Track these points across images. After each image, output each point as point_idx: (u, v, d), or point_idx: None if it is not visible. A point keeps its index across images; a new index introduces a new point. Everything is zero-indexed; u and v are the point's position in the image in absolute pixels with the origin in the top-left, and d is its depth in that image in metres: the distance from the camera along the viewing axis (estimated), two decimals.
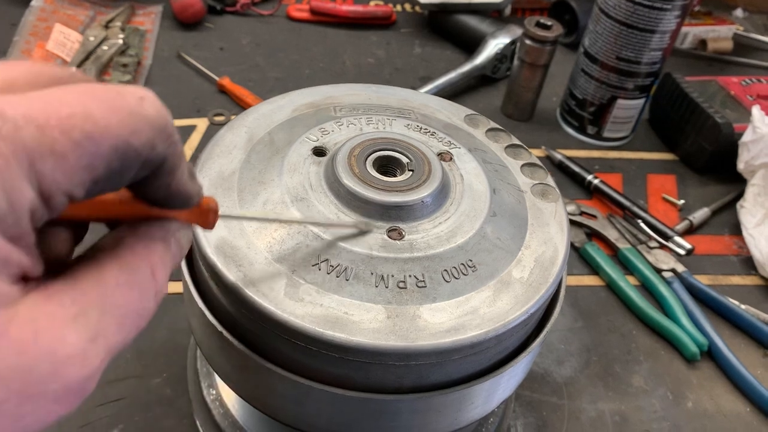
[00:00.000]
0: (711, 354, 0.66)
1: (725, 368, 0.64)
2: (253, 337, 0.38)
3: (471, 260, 0.40)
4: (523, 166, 0.48)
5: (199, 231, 0.39)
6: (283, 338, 0.36)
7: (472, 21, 1.01)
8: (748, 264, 0.76)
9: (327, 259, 0.38)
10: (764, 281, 0.75)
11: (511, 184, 0.46)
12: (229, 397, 0.52)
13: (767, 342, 0.67)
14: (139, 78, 0.89)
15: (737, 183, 0.82)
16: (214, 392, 0.52)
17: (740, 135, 0.80)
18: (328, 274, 0.37)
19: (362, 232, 0.39)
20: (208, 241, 0.38)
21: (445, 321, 0.37)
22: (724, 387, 0.64)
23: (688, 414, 0.61)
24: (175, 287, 0.63)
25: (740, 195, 0.81)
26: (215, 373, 0.53)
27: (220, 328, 0.39)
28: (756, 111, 0.79)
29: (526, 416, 0.58)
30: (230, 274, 0.37)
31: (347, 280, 0.37)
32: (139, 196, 0.25)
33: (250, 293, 0.36)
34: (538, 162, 0.49)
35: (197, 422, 0.52)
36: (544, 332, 0.43)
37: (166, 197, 0.25)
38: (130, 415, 0.53)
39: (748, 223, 0.77)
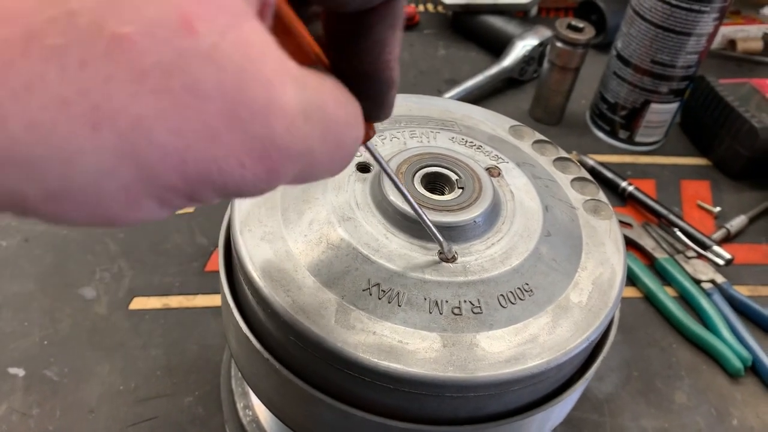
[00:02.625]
0: (755, 369, 0.64)
1: None
2: (301, 364, 0.36)
3: (527, 284, 0.38)
4: (573, 180, 0.46)
5: (244, 251, 0.37)
6: (334, 367, 0.35)
7: (498, 22, 0.98)
8: None
9: (378, 284, 0.36)
10: None
11: (562, 201, 0.44)
12: (266, 419, 0.50)
13: None
14: None
15: None
16: (250, 413, 0.51)
17: None
18: (380, 299, 0.36)
19: (441, 255, 0.37)
20: (254, 263, 0.36)
21: (503, 350, 0.35)
22: None
23: (733, 431, 0.59)
24: (204, 300, 0.61)
25: None
26: (253, 394, 0.51)
27: (266, 355, 0.37)
28: None
29: None
30: (279, 300, 0.35)
31: (399, 305, 0.36)
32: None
33: (301, 320, 0.34)
34: (589, 176, 0.47)
35: None
36: (600, 358, 0.41)
37: (375, 66, 0.24)
38: None
39: None
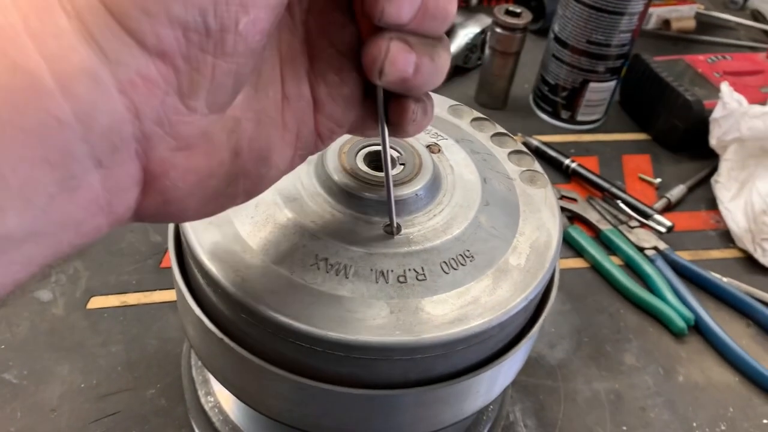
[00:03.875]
0: (698, 328, 0.67)
1: (712, 341, 0.66)
2: (254, 341, 0.38)
3: (468, 250, 0.40)
4: (510, 153, 0.48)
5: (192, 236, 0.38)
6: (286, 340, 0.36)
7: None
8: (726, 237, 0.78)
9: (325, 258, 0.38)
10: (743, 253, 0.76)
11: (500, 173, 0.46)
12: (228, 402, 0.51)
13: (750, 313, 0.69)
14: None
15: (710, 159, 0.84)
16: (212, 399, 0.52)
17: (710, 111, 0.82)
18: (328, 273, 0.37)
19: (387, 228, 0.39)
20: (202, 247, 0.37)
21: (448, 312, 0.37)
22: (713, 359, 0.65)
23: (680, 388, 0.62)
24: (162, 296, 0.62)
25: (714, 170, 0.82)
26: (213, 380, 0.52)
27: (220, 334, 0.38)
28: (725, 87, 0.81)
29: (523, 401, 0.58)
30: (228, 280, 0.36)
31: (347, 277, 0.37)
32: None
33: (250, 298, 0.36)
34: (524, 149, 0.49)
35: (196, 430, 0.52)
36: (543, 317, 0.43)
37: None
38: (126, 429, 0.52)
39: (723, 197, 0.79)
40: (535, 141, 0.85)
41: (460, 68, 0.98)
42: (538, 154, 0.85)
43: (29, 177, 0.19)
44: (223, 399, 0.51)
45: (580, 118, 0.90)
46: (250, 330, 0.37)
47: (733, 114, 0.78)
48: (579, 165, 0.81)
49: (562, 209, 0.77)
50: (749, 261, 0.75)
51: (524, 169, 0.47)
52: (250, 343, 0.38)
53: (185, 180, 0.24)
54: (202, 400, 0.52)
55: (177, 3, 0.20)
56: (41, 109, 0.18)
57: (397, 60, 0.26)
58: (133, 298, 0.61)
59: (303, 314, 0.35)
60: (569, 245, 0.74)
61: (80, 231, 0.22)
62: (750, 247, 0.75)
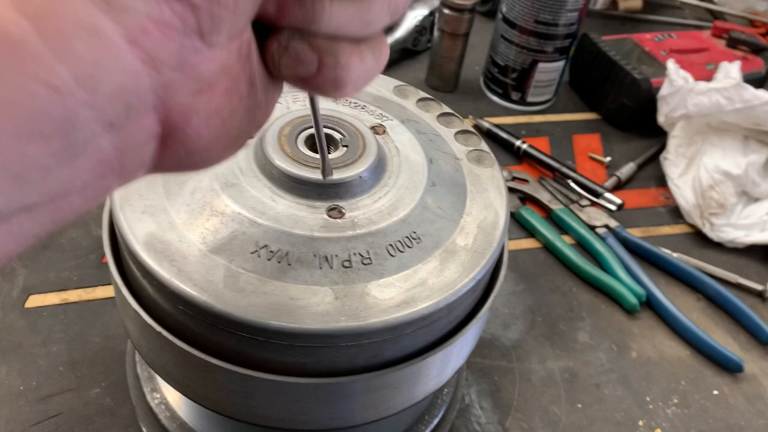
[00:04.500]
0: (649, 304, 0.67)
1: (664, 316, 0.66)
2: (194, 334, 0.36)
3: (415, 232, 0.39)
4: (456, 133, 0.48)
5: (126, 228, 0.36)
6: (227, 332, 0.35)
7: None
8: (676, 213, 0.79)
9: (266, 245, 0.36)
10: (692, 228, 0.77)
11: (446, 153, 0.46)
12: (175, 398, 0.50)
13: (700, 287, 0.70)
14: None
15: (659, 136, 0.84)
16: (158, 396, 0.50)
17: (658, 89, 0.83)
18: (269, 260, 0.36)
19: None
20: (136, 237, 0.36)
21: (394, 296, 0.36)
22: (665, 334, 0.65)
23: (633, 363, 0.62)
24: (104, 292, 0.60)
25: (663, 147, 0.83)
26: (158, 376, 0.50)
27: (158, 328, 0.37)
28: (671, 64, 0.82)
29: (478, 383, 0.58)
30: (163, 271, 0.34)
31: (289, 264, 0.36)
32: None
33: (187, 288, 0.34)
34: (471, 129, 0.48)
35: (143, 429, 0.50)
36: (492, 297, 0.42)
37: None
38: (70, 430, 0.50)
39: (672, 174, 0.79)
40: (486, 123, 0.85)
41: (409, 51, 0.96)
42: (489, 136, 0.84)
43: (15, 153, 0.16)
44: (169, 395, 0.50)
45: (530, 99, 0.90)
46: (189, 322, 0.36)
47: (679, 91, 0.79)
48: (530, 146, 0.81)
49: (514, 190, 0.77)
50: (698, 236, 0.76)
51: (471, 148, 0.47)
52: (190, 335, 0.36)
53: (209, 125, 0.22)
54: (148, 397, 0.50)
55: None
56: (27, 77, 0.16)
57: (295, 58, 0.24)
58: (74, 295, 0.59)
59: (242, 304, 0.34)
60: (521, 226, 0.74)
61: (86, 195, 0.19)
62: (699, 222, 0.76)
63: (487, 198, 0.43)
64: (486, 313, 0.42)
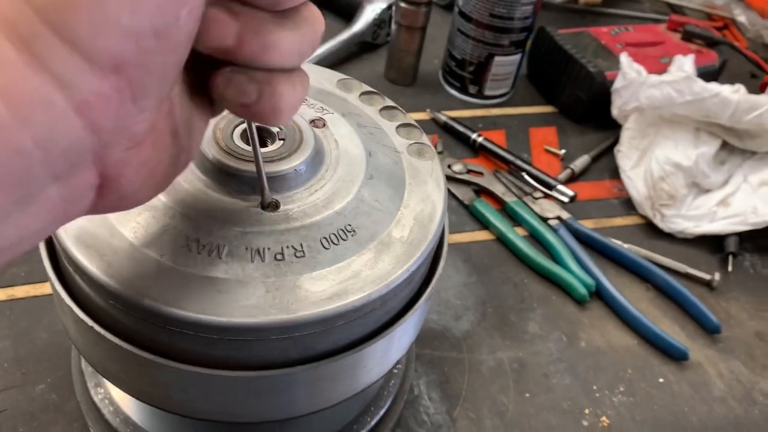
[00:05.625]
0: (599, 294, 0.68)
1: (613, 306, 0.67)
2: (127, 329, 0.36)
3: (350, 225, 0.39)
4: (398, 127, 0.48)
5: None
6: (157, 326, 0.35)
7: None
8: (628, 205, 0.80)
9: (197, 239, 0.36)
10: (643, 220, 0.78)
11: (386, 146, 0.46)
12: (119, 393, 0.49)
13: (650, 277, 0.71)
14: None
15: (614, 129, 0.85)
16: (102, 391, 0.50)
17: (612, 82, 0.83)
18: (199, 253, 0.36)
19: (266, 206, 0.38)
20: (67, 232, 0.36)
21: (326, 288, 0.36)
22: (614, 324, 0.67)
23: (582, 353, 0.63)
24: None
25: (617, 140, 0.84)
26: None
27: (90, 323, 0.37)
28: (624, 58, 0.83)
29: (428, 374, 0.59)
30: (93, 266, 0.34)
31: (220, 258, 0.36)
32: None
33: (117, 283, 0.34)
34: (413, 122, 0.49)
35: (88, 424, 0.50)
36: (430, 288, 0.43)
37: None
38: (13, 427, 0.50)
39: (625, 165, 0.81)
40: (443, 116, 0.85)
41: (369, 44, 0.97)
42: (446, 129, 0.85)
43: None
44: (113, 390, 0.50)
45: (487, 92, 0.91)
46: (121, 317, 0.36)
47: (632, 84, 0.80)
48: (485, 139, 0.82)
49: (469, 183, 0.77)
50: (649, 227, 0.78)
51: (412, 141, 0.47)
52: (123, 330, 0.36)
53: (139, 174, 0.26)
54: (92, 392, 0.50)
55: (125, 13, 0.20)
56: None
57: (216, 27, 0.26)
58: (21, 291, 0.58)
59: (172, 298, 0.34)
60: (475, 218, 0.75)
61: (36, 239, 0.23)
62: (650, 213, 0.77)
63: (426, 190, 0.43)
64: (424, 304, 0.42)
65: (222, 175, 0.38)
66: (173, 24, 0.22)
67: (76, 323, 0.38)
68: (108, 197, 0.25)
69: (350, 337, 0.39)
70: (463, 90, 0.91)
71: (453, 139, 0.84)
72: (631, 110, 0.81)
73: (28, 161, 0.20)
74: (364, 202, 0.41)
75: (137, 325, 0.35)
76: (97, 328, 0.37)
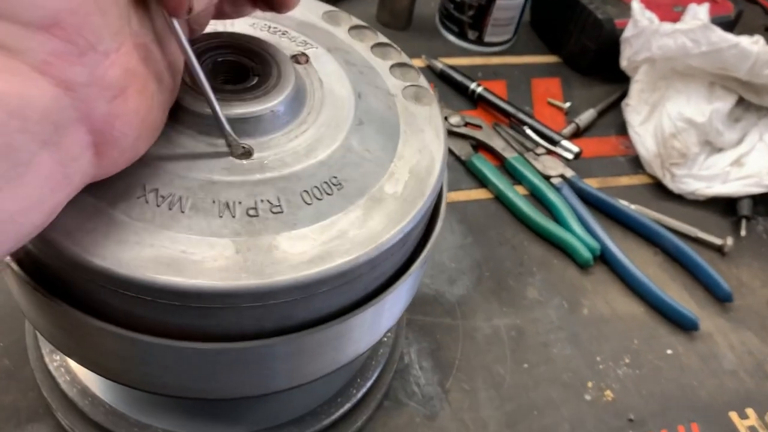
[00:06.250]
0: (604, 258, 0.64)
1: (618, 271, 0.63)
2: (75, 291, 0.31)
3: (335, 177, 0.34)
4: (392, 66, 0.42)
5: None
6: (108, 289, 0.29)
7: None
8: (636, 163, 0.75)
9: (156, 189, 0.31)
10: (651, 179, 0.74)
11: (379, 88, 0.40)
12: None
13: (658, 240, 0.67)
14: None
15: (621, 82, 0.80)
16: (58, 358, 0.45)
17: (622, 31, 0.78)
18: (158, 206, 0.30)
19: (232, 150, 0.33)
20: None
21: (307, 250, 0.31)
22: (619, 290, 0.62)
23: (584, 321, 0.59)
24: None
25: (625, 93, 0.79)
26: None
27: (32, 283, 0.31)
28: (635, 4, 0.77)
29: (419, 341, 0.54)
30: None
31: (183, 212, 0.31)
32: None
33: (59, 238, 0.29)
34: (409, 61, 0.43)
35: (44, 393, 0.45)
36: (426, 251, 0.38)
37: None
38: None
39: (633, 121, 0.75)
40: (440, 64, 0.79)
41: None
42: (442, 77, 0.79)
43: None
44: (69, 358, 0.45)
45: (487, 39, 0.84)
46: (67, 277, 0.31)
47: (644, 32, 0.74)
48: (485, 89, 0.76)
49: (466, 137, 0.72)
50: (658, 187, 0.73)
51: (408, 84, 0.41)
52: (70, 292, 0.31)
53: (132, 124, 0.26)
54: (47, 359, 0.45)
55: None
56: None
57: None
58: None
59: (124, 257, 0.29)
60: (472, 175, 0.69)
61: (43, 210, 0.23)
62: (659, 173, 0.72)
63: (423, 140, 0.38)
64: (419, 268, 0.37)
65: (184, 114, 0.33)
66: None
67: (21, 285, 0.33)
68: (107, 154, 0.25)
69: (334, 306, 0.34)
70: (462, 36, 0.85)
71: (450, 88, 0.78)
72: (641, 61, 0.75)
73: (6, 133, 0.20)
74: (351, 152, 0.35)
75: (86, 288, 0.30)
76: (40, 290, 0.31)
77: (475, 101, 0.77)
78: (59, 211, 0.24)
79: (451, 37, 0.86)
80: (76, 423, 0.44)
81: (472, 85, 0.76)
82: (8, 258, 0.32)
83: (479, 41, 0.84)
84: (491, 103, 0.75)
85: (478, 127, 0.73)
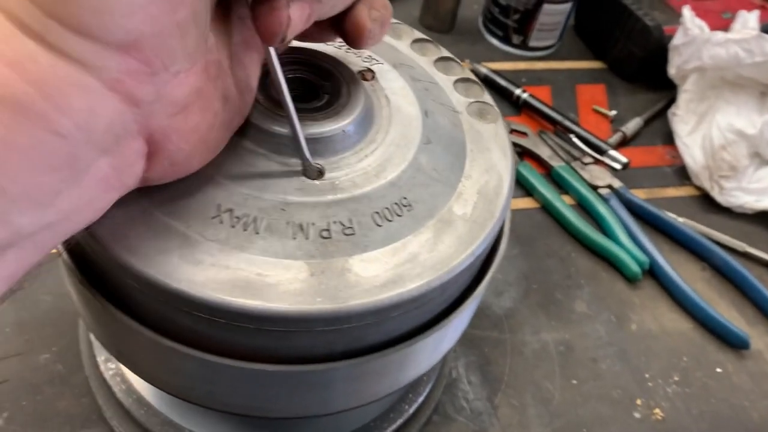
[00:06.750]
0: (652, 272, 0.63)
1: (667, 286, 0.62)
2: (146, 309, 0.31)
3: (405, 198, 0.33)
4: (456, 82, 0.42)
5: None
6: (182, 311, 0.29)
7: None
8: (682, 174, 0.74)
9: (230, 210, 0.31)
10: (699, 191, 0.72)
11: (444, 105, 0.40)
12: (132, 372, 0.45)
13: (706, 255, 0.65)
14: None
15: (667, 89, 0.78)
16: (113, 366, 0.45)
17: (670, 38, 0.76)
18: (233, 227, 0.30)
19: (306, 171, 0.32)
20: None
21: (380, 273, 0.31)
22: (667, 305, 0.61)
23: (633, 337, 0.58)
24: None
25: (671, 102, 0.77)
26: None
27: (102, 300, 0.31)
28: (687, 11, 0.75)
29: (467, 355, 0.54)
30: (104, 235, 0.29)
31: (257, 233, 0.30)
32: None
33: (134, 259, 0.29)
34: (473, 77, 0.42)
35: (98, 401, 0.45)
36: (490, 272, 0.37)
37: None
38: (16, 399, 0.45)
39: (681, 131, 0.74)
40: (483, 69, 0.78)
41: None
42: (486, 82, 0.78)
43: (32, 183, 0.21)
44: (126, 368, 0.45)
45: (532, 43, 0.83)
46: (138, 296, 0.30)
47: (694, 41, 0.73)
48: (531, 96, 0.75)
49: (512, 144, 0.71)
50: (706, 199, 0.72)
51: (472, 100, 0.41)
52: (141, 310, 0.31)
53: (188, 140, 0.26)
54: (102, 367, 0.45)
55: None
56: (38, 129, 0.20)
57: None
58: None
59: (199, 279, 0.28)
60: (518, 183, 0.69)
61: (94, 208, 0.24)
62: (707, 185, 0.71)
63: (490, 159, 0.37)
64: (483, 290, 0.37)
65: (258, 133, 0.32)
66: None
67: (89, 302, 0.33)
68: (159, 164, 0.26)
69: (402, 329, 0.33)
70: (506, 40, 0.84)
71: (494, 94, 0.77)
72: (691, 70, 0.74)
73: (71, 143, 0.21)
74: (421, 172, 0.35)
75: (158, 307, 0.30)
76: (109, 307, 0.31)
77: (520, 107, 0.76)
78: (103, 212, 0.25)
79: (495, 41, 0.85)
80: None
81: (518, 91, 0.75)
82: (79, 274, 0.32)
83: (524, 46, 0.83)
84: (536, 110, 0.74)
85: (524, 134, 0.72)
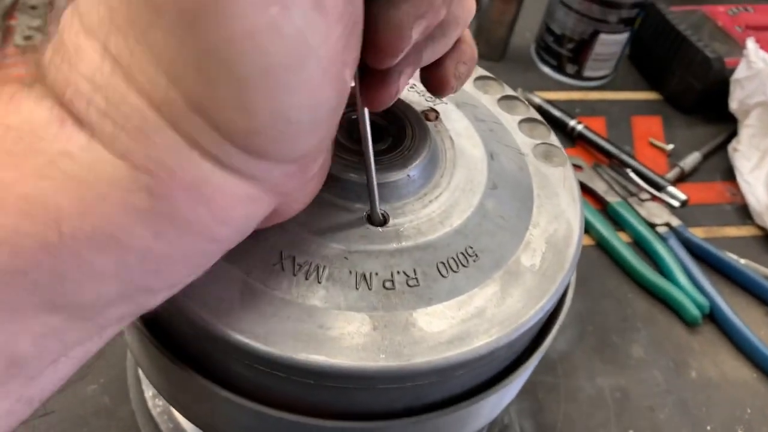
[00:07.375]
0: (712, 316, 0.60)
1: (728, 331, 0.59)
2: (203, 357, 0.30)
3: (471, 247, 0.32)
4: (521, 122, 0.40)
5: None
6: (241, 362, 0.28)
7: None
8: (743, 213, 0.71)
9: (292, 256, 0.30)
10: (762, 231, 0.69)
11: (510, 146, 0.38)
12: None
13: None
14: (51, 21, 0.77)
15: (727, 123, 0.76)
16: (161, 403, 0.44)
17: (731, 71, 0.74)
18: (295, 275, 0.29)
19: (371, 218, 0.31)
20: None
21: (445, 329, 0.29)
22: (728, 352, 0.59)
23: (692, 385, 0.56)
24: None
25: (731, 136, 0.75)
26: None
27: (158, 346, 0.31)
28: (751, 44, 0.73)
29: (519, 401, 0.52)
30: None
31: (319, 282, 0.29)
32: None
33: (194, 306, 0.28)
34: (538, 117, 0.41)
35: None
36: (557, 326, 0.36)
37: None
38: (62, 431, 0.45)
39: (742, 167, 0.71)
40: (537, 98, 0.77)
41: None
42: (540, 113, 0.75)
43: (177, 282, 0.23)
44: None
45: (587, 73, 0.81)
46: (196, 344, 0.29)
47: (758, 75, 0.70)
48: (585, 127, 0.73)
49: None
50: None
51: (538, 142, 0.39)
52: (199, 358, 0.30)
53: (303, 203, 0.27)
54: (150, 403, 0.44)
55: (304, 112, 0.20)
56: (200, 240, 0.21)
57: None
58: None
59: (261, 330, 0.27)
60: None
61: (205, 266, 0.24)
62: None
63: (558, 205, 0.36)
64: (549, 344, 0.35)
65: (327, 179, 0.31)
66: (346, 91, 0.22)
67: (145, 347, 0.32)
68: (274, 220, 0.26)
69: (465, 386, 0.32)
70: (560, 69, 0.82)
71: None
72: (754, 105, 0.71)
73: (227, 245, 0.23)
74: (487, 218, 0.33)
75: (216, 356, 0.29)
76: (168, 357, 0.30)
77: (574, 139, 0.74)
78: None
79: (547, 70, 0.83)
80: None
81: (572, 122, 0.74)
82: (137, 321, 0.32)
83: (578, 75, 0.82)
84: (592, 142, 0.73)
85: (579, 167, 0.70)
